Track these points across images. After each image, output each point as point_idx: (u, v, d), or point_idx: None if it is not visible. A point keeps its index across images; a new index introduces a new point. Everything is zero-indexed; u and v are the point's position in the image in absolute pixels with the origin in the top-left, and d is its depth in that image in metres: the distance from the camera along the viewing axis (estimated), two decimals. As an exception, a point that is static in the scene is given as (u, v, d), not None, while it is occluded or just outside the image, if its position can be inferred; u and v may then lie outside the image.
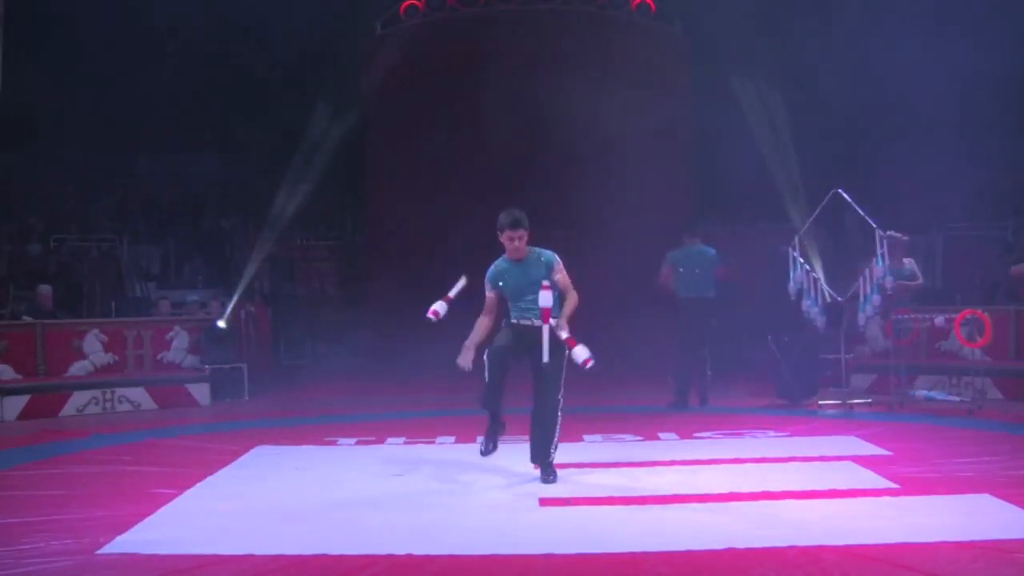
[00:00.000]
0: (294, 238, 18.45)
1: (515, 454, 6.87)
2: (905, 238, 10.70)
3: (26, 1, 13.57)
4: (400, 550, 4.81)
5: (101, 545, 5.03)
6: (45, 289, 12.50)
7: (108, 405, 11.19)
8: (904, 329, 10.51)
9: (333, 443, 8.51)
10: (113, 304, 15.06)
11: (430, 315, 6.61)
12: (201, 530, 5.39)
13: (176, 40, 19.25)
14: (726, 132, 15.13)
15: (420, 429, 9.05)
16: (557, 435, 6.49)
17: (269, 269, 17.34)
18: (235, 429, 9.63)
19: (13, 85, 10.99)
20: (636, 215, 14.26)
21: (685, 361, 10.41)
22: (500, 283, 6.48)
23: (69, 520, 5.62)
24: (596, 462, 7.19)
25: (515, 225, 6.37)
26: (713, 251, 10.53)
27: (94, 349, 11.45)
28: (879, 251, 9.94)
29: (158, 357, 11.83)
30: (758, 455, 7.39)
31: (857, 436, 8.18)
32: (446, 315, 6.64)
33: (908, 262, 10.72)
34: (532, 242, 6.50)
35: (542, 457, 6.49)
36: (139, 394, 11.40)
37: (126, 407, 11.26)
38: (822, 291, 10.35)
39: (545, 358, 6.20)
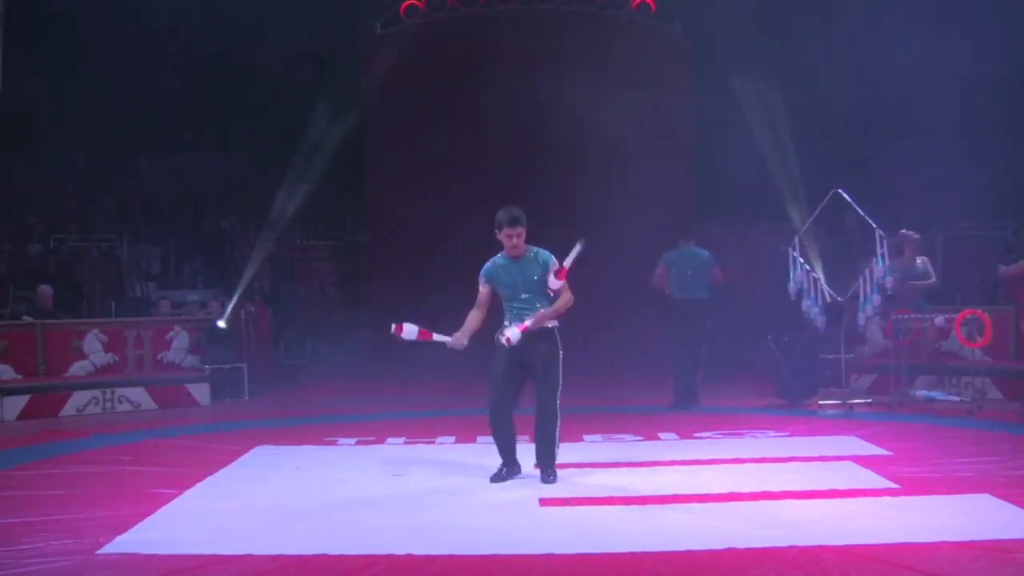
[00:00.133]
0: (294, 238, 18.43)
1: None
2: (917, 236, 10.68)
3: (26, 1, 13.56)
4: (400, 550, 4.80)
5: (101, 545, 5.02)
6: (45, 289, 12.48)
7: (108, 405, 11.19)
8: (904, 329, 10.51)
9: (333, 443, 8.50)
10: (113, 304, 15.06)
11: (395, 329, 6.51)
12: (201, 530, 5.39)
13: (176, 40, 19.25)
14: (726, 132, 15.15)
15: (420, 429, 9.05)
16: (558, 437, 6.49)
17: (269, 269, 17.34)
18: (235, 429, 9.63)
19: (13, 85, 11.00)
20: (636, 215, 14.24)
21: (680, 361, 10.44)
22: (494, 280, 6.47)
23: (69, 520, 5.61)
24: (596, 462, 7.19)
25: (513, 223, 6.38)
26: (707, 253, 10.56)
27: (94, 349, 11.46)
28: (879, 251, 9.94)
29: (158, 357, 11.84)
30: (758, 455, 7.39)
31: (857, 436, 8.17)
32: (429, 329, 6.46)
33: (921, 260, 10.66)
34: (531, 241, 6.50)
35: (545, 460, 6.50)
36: (139, 394, 11.40)
37: (126, 407, 11.26)
38: (822, 291, 10.36)
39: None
